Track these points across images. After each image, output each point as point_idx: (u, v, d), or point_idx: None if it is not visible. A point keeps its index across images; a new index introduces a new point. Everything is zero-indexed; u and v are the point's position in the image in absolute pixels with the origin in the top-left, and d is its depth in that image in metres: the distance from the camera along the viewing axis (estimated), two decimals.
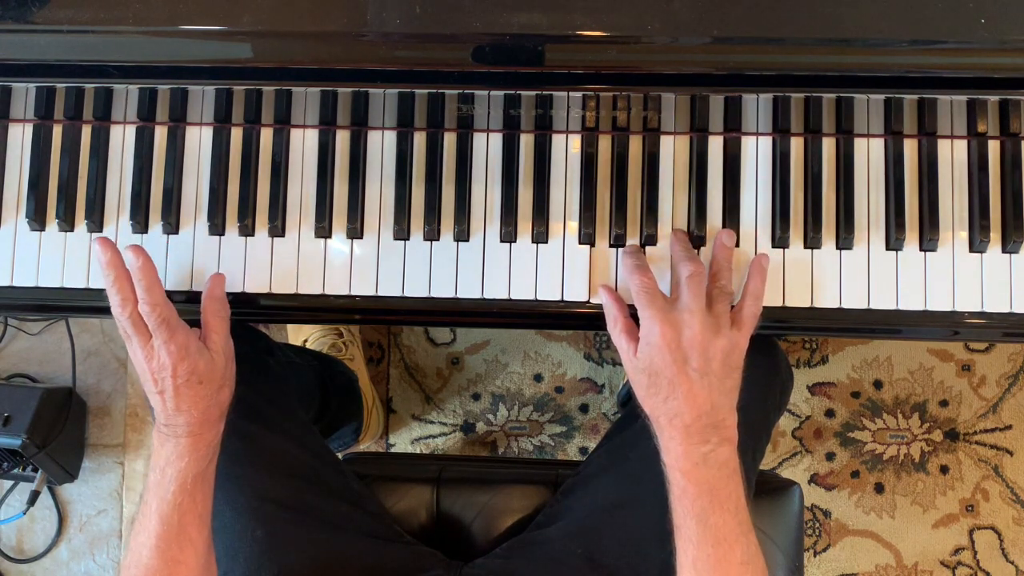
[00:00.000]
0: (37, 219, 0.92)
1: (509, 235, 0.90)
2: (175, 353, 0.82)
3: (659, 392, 0.79)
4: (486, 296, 0.90)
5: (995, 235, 0.88)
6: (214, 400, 0.85)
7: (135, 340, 0.83)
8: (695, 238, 0.89)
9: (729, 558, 0.76)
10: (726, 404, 0.80)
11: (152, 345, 0.82)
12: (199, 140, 0.92)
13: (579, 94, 0.89)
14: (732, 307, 0.84)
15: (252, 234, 0.91)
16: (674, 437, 0.79)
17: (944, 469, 1.62)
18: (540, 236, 0.89)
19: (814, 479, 1.63)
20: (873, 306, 0.88)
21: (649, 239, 0.89)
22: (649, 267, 0.84)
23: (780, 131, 0.89)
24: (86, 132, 0.92)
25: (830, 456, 1.63)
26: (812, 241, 0.89)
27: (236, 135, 0.92)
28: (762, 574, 0.78)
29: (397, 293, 0.90)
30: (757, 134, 0.90)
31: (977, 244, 0.88)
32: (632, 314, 0.84)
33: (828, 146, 0.90)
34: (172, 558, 0.81)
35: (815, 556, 1.62)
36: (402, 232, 0.90)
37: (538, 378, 1.66)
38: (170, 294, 0.86)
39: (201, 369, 0.83)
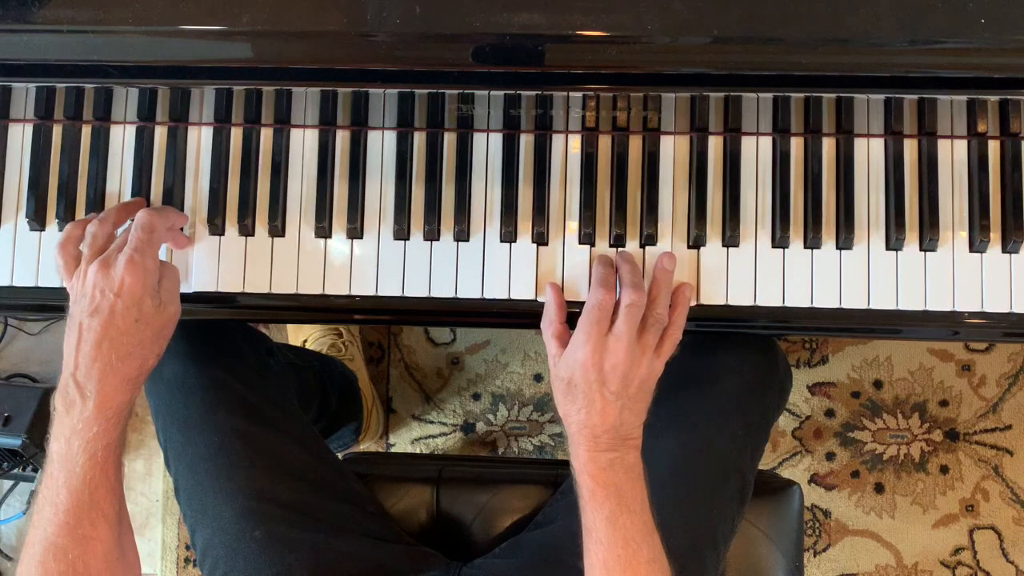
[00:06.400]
0: (37, 219, 0.92)
1: (509, 235, 0.90)
2: (137, 264, 0.79)
3: (574, 402, 0.82)
4: (486, 296, 0.90)
5: (995, 235, 0.88)
6: (137, 352, 0.80)
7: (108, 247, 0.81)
8: (694, 237, 0.89)
9: (638, 557, 0.78)
10: (635, 422, 0.83)
11: (115, 256, 0.80)
12: (199, 140, 0.92)
13: (579, 94, 0.89)
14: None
15: (252, 234, 0.91)
16: (582, 444, 0.81)
17: (944, 469, 1.62)
18: (540, 236, 0.89)
19: (814, 479, 1.63)
20: (873, 306, 0.88)
21: (649, 239, 0.89)
22: (615, 286, 0.84)
23: (780, 131, 0.89)
24: (86, 132, 0.92)
25: (830, 456, 1.63)
26: (812, 241, 0.88)
27: (236, 135, 0.92)
28: (667, 572, 0.80)
29: (397, 293, 0.90)
30: (757, 134, 0.90)
31: (977, 244, 0.88)
32: (570, 318, 0.85)
33: (828, 146, 0.90)
34: (83, 535, 0.77)
35: (815, 556, 1.62)
36: (402, 232, 0.90)
37: (538, 378, 1.66)
38: None
39: (146, 306, 0.79)
